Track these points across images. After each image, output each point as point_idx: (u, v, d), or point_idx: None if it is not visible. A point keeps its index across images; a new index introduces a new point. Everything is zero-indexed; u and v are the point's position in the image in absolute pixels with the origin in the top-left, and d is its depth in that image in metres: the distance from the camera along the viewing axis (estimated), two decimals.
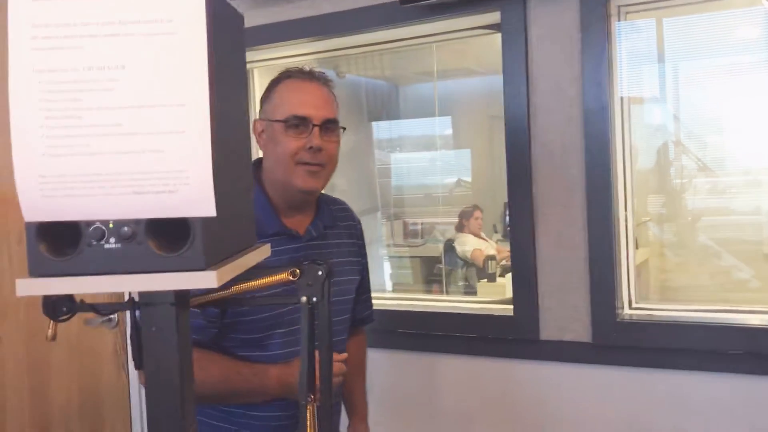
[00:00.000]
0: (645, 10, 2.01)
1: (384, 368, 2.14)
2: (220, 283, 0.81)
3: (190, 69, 0.77)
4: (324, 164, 1.48)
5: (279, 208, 1.52)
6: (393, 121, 4.70)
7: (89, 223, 0.79)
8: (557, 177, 1.92)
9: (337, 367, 1.42)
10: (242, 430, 1.49)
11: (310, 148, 1.45)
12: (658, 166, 3.64)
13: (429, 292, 4.26)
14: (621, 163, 1.93)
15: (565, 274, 1.92)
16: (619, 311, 1.90)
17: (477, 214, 4.21)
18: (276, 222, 1.50)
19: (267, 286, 0.99)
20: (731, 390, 1.79)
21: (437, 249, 4.38)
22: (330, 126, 1.49)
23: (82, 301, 1.00)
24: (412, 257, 4.49)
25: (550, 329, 1.95)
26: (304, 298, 0.98)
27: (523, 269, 1.96)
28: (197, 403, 1.48)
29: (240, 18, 0.98)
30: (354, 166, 4.22)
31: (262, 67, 2.80)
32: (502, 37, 1.95)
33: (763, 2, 2.03)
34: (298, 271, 0.97)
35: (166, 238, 0.80)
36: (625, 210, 1.93)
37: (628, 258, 1.94)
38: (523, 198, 1.95)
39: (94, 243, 0.80)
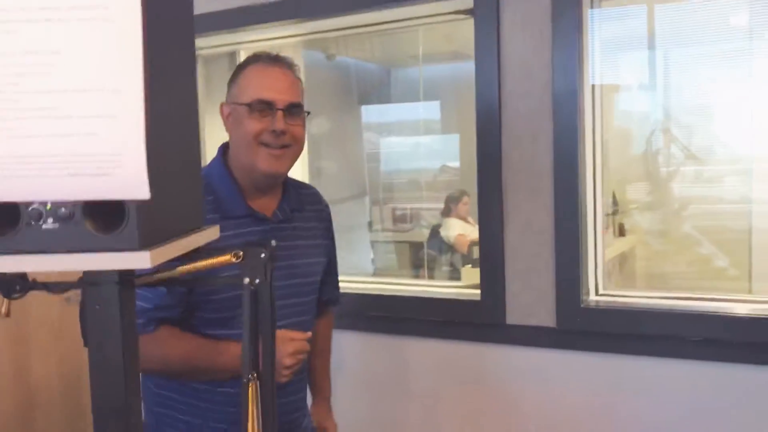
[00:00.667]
0: None
1: (354, 350, 2.18)
2: (155, 264, 0.83)
3: (125, 55, 0.79)
4: (288, 145, 1.50)
5: (246, 190, 1.54)
6: (383, 105, 4.70)
7: (27, 204, 0.82)
8: (527, 163, 1.94)
9: (301, 345, 1.45)
10: (207, 405, 1.52)
11: (273, 131, 1.47)
12: (646, 153, 3.66)
13: (415, 277, 4.29)
14: (591, 150, 1.95)
15: (532, 259, 1.94)
16: (585, 297, 1.92)
17: (465, 199, 4.24)
18: (242, 205, 1.53)
19: (212, 267, 1.01)
20: (692, 376, 1.82)
21: (424, 234, 4.40)
22: (294, 110, 1.51)
23: (34, 280, 1.03)
24: (399, 242, 4.52)
25: (516, 314, 1.97)
26: (246, 280, 1.00)
27: (491, 254, 1.99)
28: (164, 377, 1.53)
29: (188, 1, 1.00)
30: (342, 150, 4.24)
31: (249, 48, 2.81)
32: (474, 22, 1.96)
33: None
34: (241, 253, 1.00)
35: (103, 218, 0.82)
36: (594, 197, 1.95)
37: (596, 245, 1.96)
38: (492, 183, 1.97)
39: (33, 223, 0.82)
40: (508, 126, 1.95)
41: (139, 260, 0.81)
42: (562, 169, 1.89)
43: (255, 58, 1.55)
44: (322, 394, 1.80)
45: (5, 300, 1.05)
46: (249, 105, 1.48)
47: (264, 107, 1.48)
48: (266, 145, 1.48)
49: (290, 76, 1.53)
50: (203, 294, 1.46)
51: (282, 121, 1.48)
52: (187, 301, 1.47)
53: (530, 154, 1.93)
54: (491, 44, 1.94)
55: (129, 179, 0.80)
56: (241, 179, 1.54)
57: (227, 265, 1.04)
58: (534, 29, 1.90)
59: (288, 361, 1.41)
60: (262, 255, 1.00)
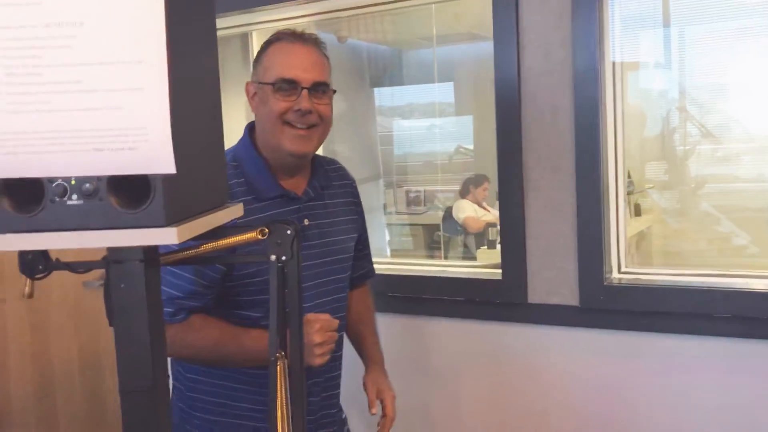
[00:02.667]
0: None
1: None
2: (181, 240, 0.82)
3: (148, 26, 0.77)
4: (315, 125, 1.48)
5: (276, 171, 1.52)
6: (395, 87, 4.67)
7: (52, 180, 0.80)
8: (547, 140, 1.91)
9: (327, 322, 1.41)
10: (245, 387, 1.51)
11: (298, 110, 1.45)
12: (662, 132, 3.61)
13: (430, 257, 4.28)
14: (612, 127, 1.92)
15: (554, 237, 1.92)
16: (607, 275, 1.90)
17: (486, 185, 4.24)
18: (275, 185, 1.51)
19: (237, 245, 1.00)
20: (717, 353, 1.79)
21: (438, 216, 4.39)
22: (320, 89, 1.48)
23: (57, 259, 1.02)
24: (413, 225, 4.51)
25: (538, 293, 1.96)
26: (273, 257, 0.99)
27: (512, 232, 1.96)
28: (197, 364, 1.52)
29: None
30: (355, 132, 4.21)
31: (261, 30, 2.78)
32: None
33: None
34: (266, 230, 0.98)
35: (128, 194, 0.81)
36: (616, 174, 1.93)
37: (618, 222, 1.94)
38: (513, 161, 1.94)
39: (57, 199, 0.81)
40: (527, 103, 1.93)
41: (166, 236, 0.80)
42: (583, 147, 1.86)
43: (278, 36, 1.51)
44: (374, 360, 1.75)
45: (29, 280, 1.04)
46: (273, 84, 1.46)
47: (288, 86, 1.45)
48: (291, 124, 1.46)
49: (315, 54, 1.50)
50: (242, 277, 1.44)
51: (307, 100, 1.45)
52: (222, 285, 1.45)
53: (550, 132, 1.91)
54: (510, 20, 1.91)
55: (155, 153, 0.78)
56: (270, 159, 1.52)
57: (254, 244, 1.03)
58: (553, 4, 1.87)
59: (317, 338, 1.38)
60: (288, 232, 0.98)
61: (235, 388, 1.52)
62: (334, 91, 1.53)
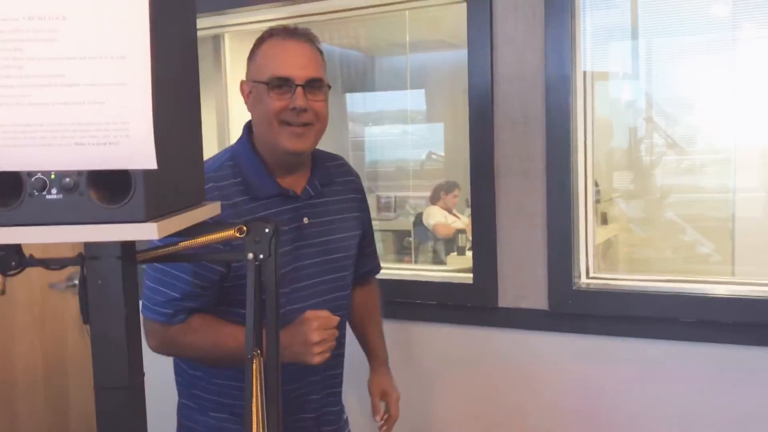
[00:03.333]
0: None
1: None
2: (162, 236, 0.82)
3: (132, 22, 0.78)
4: (311, 123, 1.46)
5: (273, 169, 1.51)
6: (367, 93, 4.69)
7: (31, 174, 0.80)
8: (519, 147, 1.94)
9: (327, 320, 1.40)
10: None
11: (294, 108, 1.43)
12: (629, 142, 3.68)
13: (401, 263, 4.29)
14: (582, 135, 1.95)
15: (524, 242, 1.95)
16: (576, 280, 1.93)
17: (456, 192, 4.27)
18: (272, 184, 1.49)
19: (215, 242, 1.00)
20: (683, 356, 1.83)
21: (409, 222, 4.41)
22: (315, 85, 1.46)
23: (31, 255, 1.01)
24: (384, 231, 4.52)
25: (508, 297, 1.98)
26: (250, 255, 0.99)
27: (483, 237, 1.99)
28: (197, 364, 1.51)
29: None
30: (327, 138, 4.22)
31: (233, 32, 2.78)
32: (467, 6, 1.96)
33: None
34: (245, 228, 0.99)
35: (109, 189, 0.81)
36: (585, 181, 1.96)
37: (587, 228, 1.97)
38: (485, 166, 1.97)
39: (36, 193, 0.80)
40: (500, 109, 1.95)
41: (146, 231, 0.80)
42: (553, 154, 1.89)
43: (271, 32, 1.49)
44: (379, 359, 1.75)
45: (1, 277, 1.03)
46: (267, 83, 1.44)
47: (282, 84, 1.43)
48: (288, 123, 1.44)
49: (308, 50, 1.48)
50: (240, 277, 1.41)
51: (302, 97, 1.43)
52: (220, 286, 1.44)
53: (522, 138, 1.94)
54: (484, 27, 1.94)
55: (136, 148, 0.78)
56: (268, 158, 1.50)
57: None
58: (527, 12, 1.90)
59: (315, 336, 1.36)
60: (267, 230, 0.99)
61: (237, 387, 1.50)
62: (329, 86, 1.51)
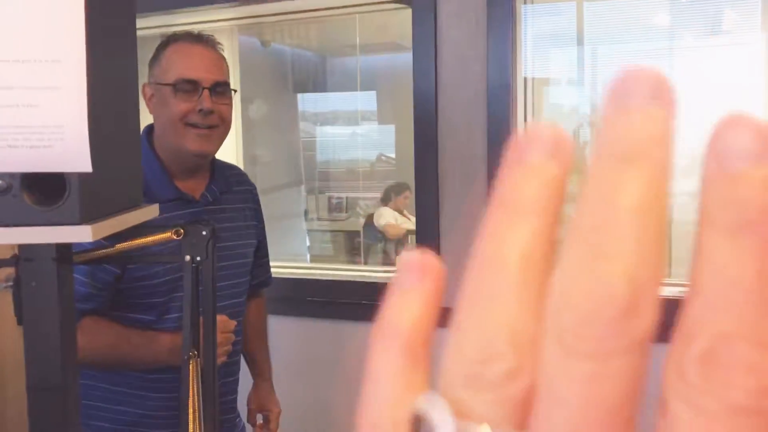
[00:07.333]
0: None
1: (291, 335, 2.18)
2: (95, 238, 0.83)
3: (66, 25, 0.78)
4: (216, 125, 1.48)
5: (173, 173, 1.51)
6: (319, 94, 4.70)
7: None
8: (462, 152, 1.98)
9: (225, 324, 1.43)
10: (141, 393, 1.50)
11: (201, 110, 1.45)
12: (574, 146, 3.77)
13: (351, 263, 4.32)
14: None
15: (467, 245, 1.99)
16: None
17: (407, 193, 4.31)
18: (170, 187, 1.50)
19: (151, 244, 1.01)
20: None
21: (359, 223, 4.43)
22: (220, 89, 1.49)
23: None
24: (334, 231, 4.53)
25: (451, 299, 2.02)
26: (188, 258, 1.00)
27: (427, 241, 2.02)
28: (88, 369, 1.50)
29: None
30: (278, 137, 4.21)
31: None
32: (412, 12, 1.99)
33: None
34: (182, 230, 1.00)
35: (43, 192, 0.82)
36: None
37: None
38: (429, 171, 2.01)
39: None
40: (444, 115, 1.99)
41: (80, 234, 0.81)
42: (494, 160, 1.94)
43: (176, 37, 1.51)
44: (263, 375, 1.78)
45: None
46: (173, 85, 1.45)
47: (189, 87, 1.45)
48: (193, 125, 1.46)
49: (214, 55, 1.51)
50: (135, 279, 1.43)
51: (209, 100, 1.45)
52: (116, 287, 1.43)
53: (465, 144, 1.98)
54: (428, 33, 1.97)
55: (71, 151, 0.79)
56: (167, 161, 1.51)
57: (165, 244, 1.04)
58: (470, 19, 1.94)
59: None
60: (204, 233, 1.00)
61: (130, 394, 1.50)
62: (235, 91, 1.55)
